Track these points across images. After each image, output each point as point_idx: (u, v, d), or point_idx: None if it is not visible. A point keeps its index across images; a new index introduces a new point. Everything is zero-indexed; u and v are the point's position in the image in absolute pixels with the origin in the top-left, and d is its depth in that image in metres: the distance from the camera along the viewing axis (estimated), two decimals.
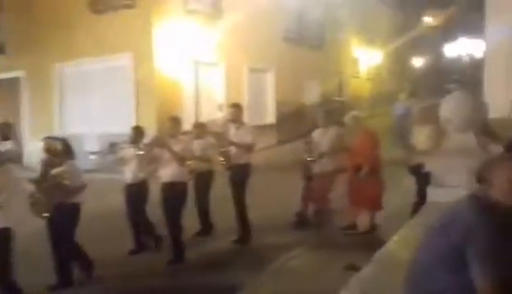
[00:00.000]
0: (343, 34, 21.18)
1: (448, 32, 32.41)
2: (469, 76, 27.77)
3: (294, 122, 14.70)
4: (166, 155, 5.41)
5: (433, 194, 4.23)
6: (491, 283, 1.77)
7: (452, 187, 4.17)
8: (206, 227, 6.56)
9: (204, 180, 6.33)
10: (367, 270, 2.90)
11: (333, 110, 6.58)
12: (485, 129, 5.32)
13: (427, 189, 4.37)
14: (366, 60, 24.45)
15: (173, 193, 5.40)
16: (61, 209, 4.79)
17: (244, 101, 14.25)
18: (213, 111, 12.97)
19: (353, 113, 6.66)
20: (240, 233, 6.05)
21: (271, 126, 15.18)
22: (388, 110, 19.82)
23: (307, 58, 17.45)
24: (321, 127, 6.48)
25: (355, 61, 23.55)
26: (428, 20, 32.17)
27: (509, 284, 1.82)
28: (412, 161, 5.99)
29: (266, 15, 14.61)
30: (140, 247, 5.92)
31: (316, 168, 6.38)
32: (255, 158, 10.31)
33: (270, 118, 15.68)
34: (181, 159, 5.34)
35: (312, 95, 18.30)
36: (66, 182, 4.83)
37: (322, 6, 18.40)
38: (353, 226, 6.30)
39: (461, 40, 30.53)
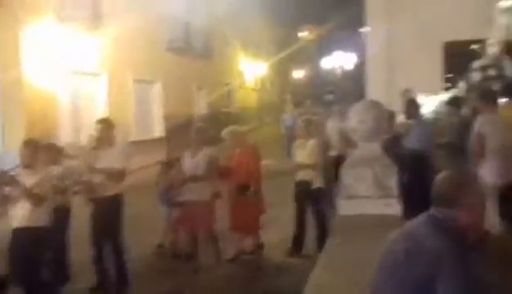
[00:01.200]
0: (228, 46, 21.28)
1: (324, 46, 34.92)
2: (342, 86, 30.05)
3: (184, 135, 14.09)
4: (16, 193, 4.21)
5: (344, 207, 4.08)
6: None
7: (362, 197, 4.12)
8: (63, 276, 5.22)
9: (57, 219, 4.77)
10: None
11: (204, 128, 6.00)
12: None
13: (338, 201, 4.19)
14: (251, 71, 24.99)
15: (28, 242, 4.17)
16: None
17: (131, 114, 13.36)
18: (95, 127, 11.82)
19: (231, 128, 6.16)
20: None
21: (159, 140, 14.41)
22: (275, 120, 20.38)
23: (194, 68, 17.06)
24: (194, 146, 5.61)
25: (241, 72, 23.89)
26: (303, 34, 34.28)
27: None
28: (298, 176, 5.89)
29: (149, 24, 13.88)
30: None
31: (188, 195, 5.45)
32: (143, 176, 9.35)
33: (158, 131, 14.89)
34: (35, 198, 4.16)
35: (200, 106, 17.94)
36: None
37: (206, 17, 18.21)
38: (241, 253, 5.87)
39: (336, 53, 32.97)
